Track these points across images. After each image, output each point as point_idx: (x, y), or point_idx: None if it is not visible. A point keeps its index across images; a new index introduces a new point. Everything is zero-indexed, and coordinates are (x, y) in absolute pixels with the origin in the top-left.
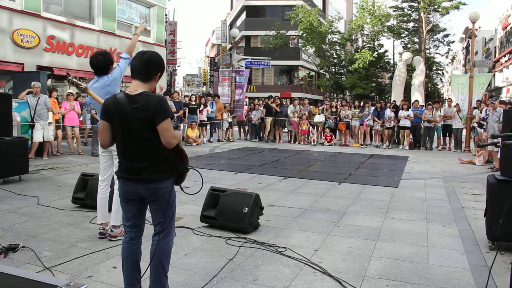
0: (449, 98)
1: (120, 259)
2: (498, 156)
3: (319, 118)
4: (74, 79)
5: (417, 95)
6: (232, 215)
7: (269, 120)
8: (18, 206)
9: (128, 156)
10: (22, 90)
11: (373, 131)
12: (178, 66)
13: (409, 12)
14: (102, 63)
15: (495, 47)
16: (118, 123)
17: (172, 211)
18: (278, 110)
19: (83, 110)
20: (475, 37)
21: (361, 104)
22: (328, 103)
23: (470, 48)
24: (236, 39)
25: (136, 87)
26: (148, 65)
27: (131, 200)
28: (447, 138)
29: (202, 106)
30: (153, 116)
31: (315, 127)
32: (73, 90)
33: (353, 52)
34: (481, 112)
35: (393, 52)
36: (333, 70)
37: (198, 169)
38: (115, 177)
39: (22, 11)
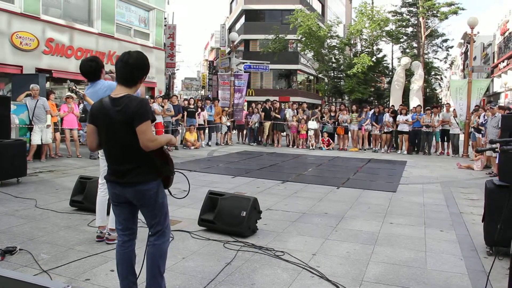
0: (447, 103)
1: None
2: (497, 162)
3: (312, 124)
4: (73, 87)
5: (416, 100)
6: (230, 219)
7: (267, 124)
8: (16, 208)
9: (114, 159)
10: (21, 92)
11: (371, 136)
12: (177, 70)
13: (408, 17)
14: (93, 69)
15: (494, 52)
16: (103, 126)
17: (164, 211)
18: (279, 116)
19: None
20: (474, 42)
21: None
22: (327, 107)
23: (468, 53)
24: (235, 43)
25: (120, 91)
26: (133, 72)
27: (120, 203)
28: (445, 143)
29: (199, 110)
30: (133, 119)
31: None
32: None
33: (351, 56)
34: (479, 117)
35: (392, 57)
36: (332, 74)
37: (192, 172)
38: None
39: (21, 13)
